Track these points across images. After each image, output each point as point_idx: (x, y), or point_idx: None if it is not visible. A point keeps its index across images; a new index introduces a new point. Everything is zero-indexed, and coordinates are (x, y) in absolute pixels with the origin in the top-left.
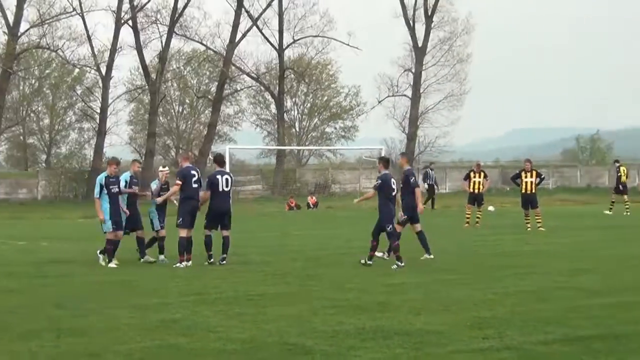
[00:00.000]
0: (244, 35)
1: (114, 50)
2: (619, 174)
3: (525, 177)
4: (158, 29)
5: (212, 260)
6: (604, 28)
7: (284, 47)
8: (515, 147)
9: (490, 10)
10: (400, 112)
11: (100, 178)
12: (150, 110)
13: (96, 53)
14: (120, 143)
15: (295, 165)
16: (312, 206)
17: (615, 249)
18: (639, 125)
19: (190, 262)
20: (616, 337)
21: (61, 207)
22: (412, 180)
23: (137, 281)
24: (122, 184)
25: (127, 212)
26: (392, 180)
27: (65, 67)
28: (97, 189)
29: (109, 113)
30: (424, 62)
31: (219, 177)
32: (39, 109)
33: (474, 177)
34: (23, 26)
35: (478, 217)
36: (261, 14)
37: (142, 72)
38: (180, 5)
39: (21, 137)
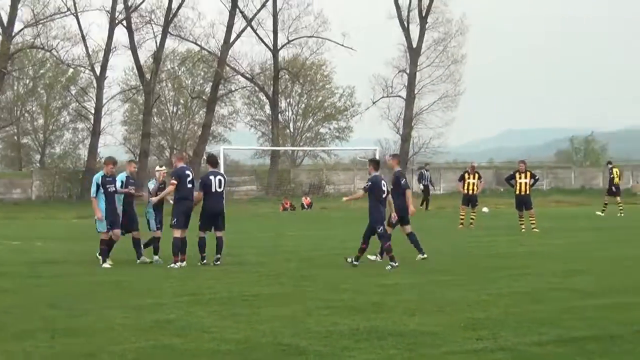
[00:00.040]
0: (238, 36)
1: (108, 50)
2: (612, 176)
3: (520, 178)
4: (152, 29)
5: (205, 261)
6: (599, 28)
7: (278, 47)
8: (509, 148)
9: (485, 11)
10: (395, 113)
11: (97, 177)
12: (145, 111)
13: (90, 53)
14: (114, 143)
15: (289, 165)
16: (306, 207)
17: (610, 250)
18: (633, 126)
19: (185, 262)
20: (610, 338)
21: (55, 207)
22: (402, 182)
23: (132, 281)
24: (118, 184)
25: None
26: (383, 182)
27: (59, 67)
28: (93, 188)
29: (103, 113)
30: (418, 63)
31: (211, 177)
32: (33, 109)
33: (468, 178)
34: (17, 26)
35: (472, 218)
36: (255, 14)
37: (136, 72)
38: (174, 5)
39: (15, 137)
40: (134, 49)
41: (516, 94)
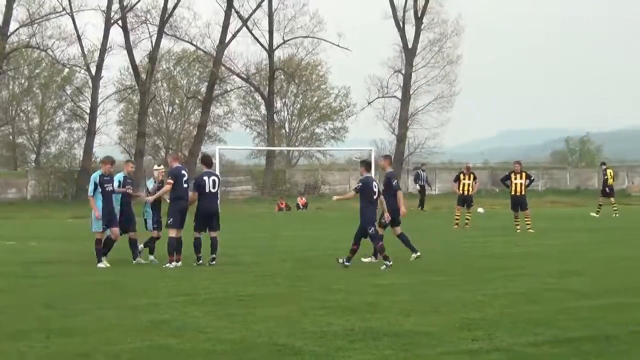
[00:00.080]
0: (234, 36)
1: (103, 50)
2: (606, 177)
3: (515, 178)
4: (148, 29)
5: (201, 262)
6: (598, 29)
7: (274, 47)
8: (505, 149)
9: (481, 11)
10: (390, 113)
11: (95, 176)
12: (140, 111)
13: (86, 53)
14: (109, 143)
15: (285, 166)
16: (301, 207)
17: (605, 251)
18: (628, 127)
19: (180, 262)
20: (606, 339)
21: (50, 207)
22: (394, 183)
23: (127, 282)
24: (116, 184)
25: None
26: (374, 183)
27: (55, 66)
28: (91, 187)
29: (98, 113)
30: (413, 64)
31: (205, 178)
32: (29, 108)
33: (464, 179)
34: (12, 25)
35: (467, 219)
36: (251, 14)
37: (131, 72)
38: (170, 5)
39: (10, 137)
40: (129, 48)
41: (513, 94)
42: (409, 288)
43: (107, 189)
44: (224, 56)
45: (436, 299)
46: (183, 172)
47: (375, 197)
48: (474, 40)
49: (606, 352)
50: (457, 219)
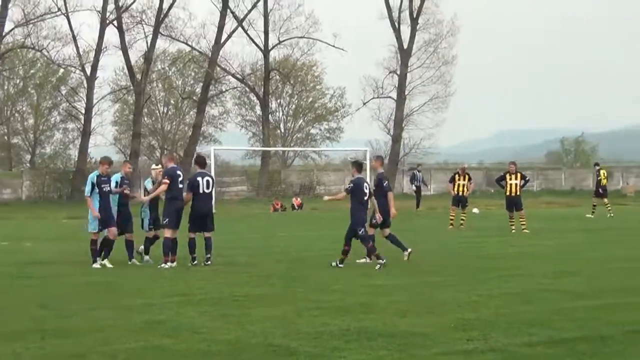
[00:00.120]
0: (229, 36)
1: (99, 50)
2: (599, 178)
3: (510, 179)
4: (143, 29)
5: (195, 262)
6: (596, 29)
7: (269, 48)
8: (500, 149)
9: (476, 11)
10: (385, 114)
11: (92, 176)
12: (135, 111)
13: (81, 53)
14: (104, 143)
15: (280, 166)
16: (296, 207)
17: (600, 251)
18: (624, 127)
19: (175, 263)
20: (601, 339)
21: (45, 208)
22: (385, 184)
23: (122, 282)
24: (113, 184)
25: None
26: (365, 184)
27: (50, 67)
28: (88, 187)
29: (93, 113)
30: (409, 64)
31: (199, 179)
32: (24, 109)
33: (459, 179)
34: (7, 26)
35: (462, 219)
36: (246, 15)
37: (127, 72)
38: (165, 5)
39: (5, 137)
40: (124, 49)
41: (508, 94)
42: (404, 289)
43: (104, 189)
44: (219, 57)
45: (431, 300)
46: (178, 172)
47: (366, 198)
48: (470, 40)
49: (601, 352)
50: (451, 220)
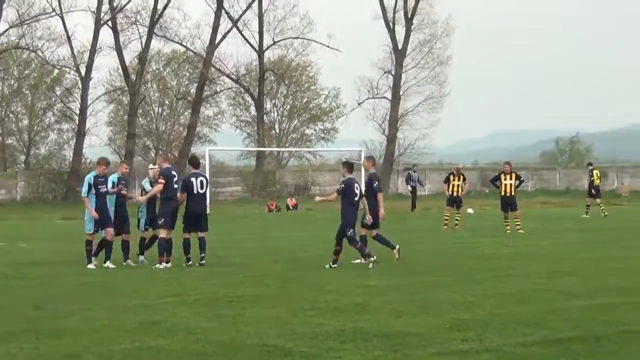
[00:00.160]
0: (224, 37)
1: (93, 51)
2: (592, 178)
3: (505, 179)
4: (138, 29)
5: (190, 262)
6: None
7: (264, 48)
8: (495, 149)
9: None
10: (380, 114)
11: (89, 177)
12: (130, 112)
13: (76, 54)
14: (99, 144)
15: (275, 167)
16: (291, 208)
17: (594, 251)
18: (618, 127)
19: (170, 263)
20: (595, 339)
21: (40, 208)
22: (375, 185)
23: (117, 282)
24: (110, 185)
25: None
26: (356, 185)
27: (44, 67)
28: (85, 188)
29: (88, 114)
30: (403, 65)
31: (193, 179)
32: (18, 109)
33: (453, 180)
34: (2, 26)
35: (457, 219)
36: (241, 15)
37: (121, 73)
38: (160, 6)
39: (0, 138)
40: (119, 49)
41: (501, 95)
42: (398, 289)
43: (101, 190)
44: (213, 57)
45: (426, 300)
46: (173, 172)
47: (356, 198)
48: (464, 40)
49: (596, 352)
50: (446, 220)
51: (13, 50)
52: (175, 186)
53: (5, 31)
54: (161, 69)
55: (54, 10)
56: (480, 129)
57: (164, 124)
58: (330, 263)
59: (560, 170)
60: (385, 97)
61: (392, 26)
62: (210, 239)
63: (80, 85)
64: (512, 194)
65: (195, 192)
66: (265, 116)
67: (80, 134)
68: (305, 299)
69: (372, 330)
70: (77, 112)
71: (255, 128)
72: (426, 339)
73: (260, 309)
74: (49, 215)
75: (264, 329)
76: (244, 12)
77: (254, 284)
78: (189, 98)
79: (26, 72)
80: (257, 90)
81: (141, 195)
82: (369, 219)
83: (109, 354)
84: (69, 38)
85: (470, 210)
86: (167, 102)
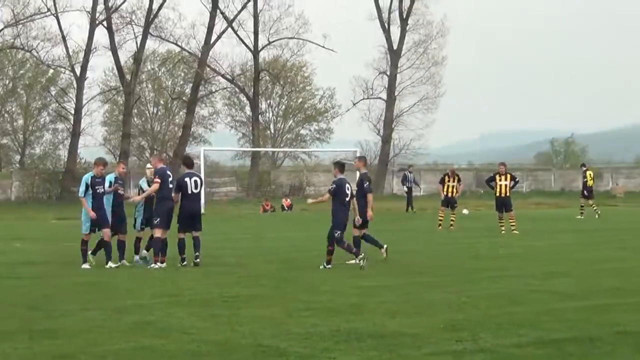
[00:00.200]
0: (219, 37)
1: (88, 51)
2: (585, 179)
3: (500, 180)
4: (133, 29)
5: (185, 263)
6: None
7: (259, 48)
8: (489, 150)
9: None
10: (375, 114)
11: (87, 177)
12: (125, 112)
13: (71, 54)
14: (94, 144)
15: (269, 167)
16: (286, 208)
17: (589, 252)
18: (613, 128)
19: (165, 263)
20: (590, 340)
21: (35, 208)
22: (365, 185)
23: (111, 282)
24: (107, 184)
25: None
26: (347, 185)
27: (39, 67)
28: (82, 188)
29: (83, 114)
30: (399, 65)
31: (187, 179)
32: (13, 109)
33: (448, 181)
34: None
35: (452, 220)
36: (236, 15)
37: (116, 73)
38: (155, 6)
39: None
40: (114, 49)
41: (497, 95)
42: (393, 289)
43: (97, 190)
44: (209, 57)
45: (420, 300)
46: (168, 172)
47: (347, 199)
48: (459, 41)
49: (590, 353)
50: (440, 220)
51: (8, 50)
52: (171, 186)
53: (0, 31)
54: (156, 69)
55: (49, 10)
56: (475, 129)
57: (159, 124)
58: (325, 264)
59: (555, 171)
60: (380, 98)
61: (387, 26)
62: (205, 239)
63: (75, 85)
64: (507, 194)
65: (189, 192)
66: (260, 116)
67: (75, 134)
68: (300, 299)
69: (367, 331)
70: (72, 112)
71: (250, 128)
72: (421, 339)
73: (255, 309)
74: (43, 215)
75: (259, 329)
76: (239, 12)
77: (248, 284)
78: (184, 98)
79: (21, 72)
80: (252, 90)
81: (138, 195)
82: (357, 219)
83: (104, 354)
84: (64, 38)
85: (465, 211)
86: (162, 102)
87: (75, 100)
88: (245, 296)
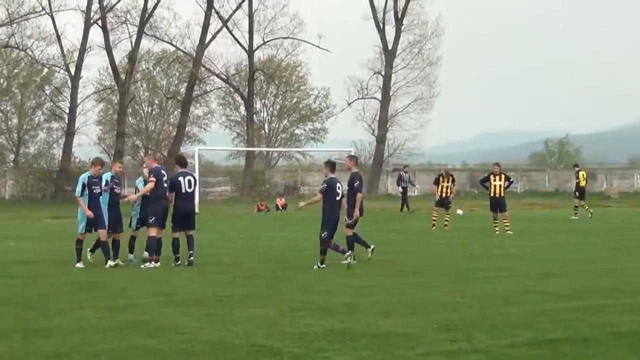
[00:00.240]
0: (213, 37)
1: (83, 50)
2: (578, 180)
3: (494, 180)
4: (128, 29)
5: (179, 262)
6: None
7: (254, 48)
8: (484, 150)
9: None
10: (370, 114)
11: (84, 177)
12: (119, 111)
13: (65, 53)
14: (89, 143)
15: (264, 166)
16: (280, 208)
17: (583, 253)
18: (608, 129)
19: (159, 263)
20: (584, 340)
21: (29, 207)
22: (355, 184)
23: (105, 282)
24: (103, 183)
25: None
26: (338, 184)
27: (34, 66)
28: (79, 188)
29: (77, 113)
30: (393, 65)
31: (180, 178)
32: (7, 108)
33: (443, 181)
34: None
35: (447, 220)
36: (231, 15)
37: (111, 72)
38: (150, 5)
39: None
40: (109, 49)
41: (491, 96)
42: (387, 289)
43: (94, 190)
44: (203, 57)
45: (414, 301)
46: (163, 172)
47: (338, 198)
48: (454, 41)
49: (584, 353)
50: (434, 220)
51: (2, 49)
52: (165, 185)
53: None
54: (151, 68)
55: (43, 9)
56: (469, 130)
57: (154, 124)
58: (318, 264)
59: (550, 171)
60: (375, 98)
61: (382, 27)
62: (199, 238)
63: (69, 84)
64: (502, 195)
65: (183, 191)
66: (254, 116)
67: (70, 133)
68: (294, 299)
69: (361, 331)
70: (67, 111)
71: (245, 128)
72: (414, 339)
73: (249, 309)
74: (37, 214)
75: (253, 328)
76: (234, 11)
77: (243, 284)
78: (178, 97)
79: (15, 71)
80: (246, 90)
81: (135, 194)
82: (345, 219)
83: (97, 353)
84: (58, 37)
85: (459, 211)
86: (156, 101)
87: (69, 100)
88: (239, 296)
